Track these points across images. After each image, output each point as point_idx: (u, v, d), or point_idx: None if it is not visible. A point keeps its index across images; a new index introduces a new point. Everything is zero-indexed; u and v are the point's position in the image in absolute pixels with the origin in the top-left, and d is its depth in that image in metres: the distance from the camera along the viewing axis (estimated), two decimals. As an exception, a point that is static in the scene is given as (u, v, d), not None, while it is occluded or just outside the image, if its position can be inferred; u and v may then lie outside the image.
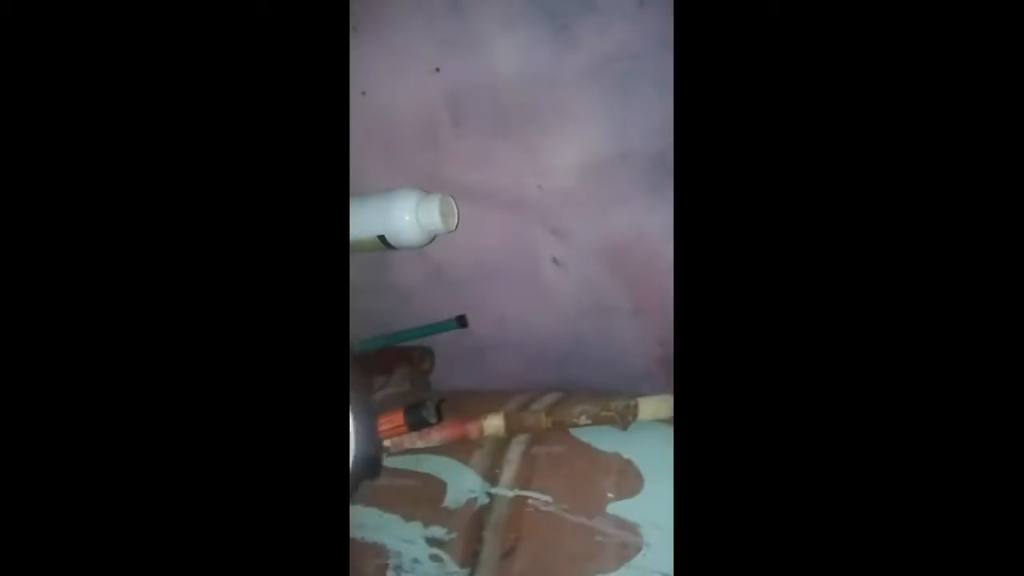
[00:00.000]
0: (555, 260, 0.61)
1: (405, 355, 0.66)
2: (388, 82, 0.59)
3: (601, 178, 0.57)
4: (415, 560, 0.38)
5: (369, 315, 0.69)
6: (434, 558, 0.38)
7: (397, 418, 0.39)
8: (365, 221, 0.52)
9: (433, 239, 0.54)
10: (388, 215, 0.51)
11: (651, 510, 0.36)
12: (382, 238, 0.51)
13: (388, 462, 0.45)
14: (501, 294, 0.65)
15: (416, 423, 0.38)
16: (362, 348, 0.66)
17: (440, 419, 0.40)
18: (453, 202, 0.54)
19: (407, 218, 0.51)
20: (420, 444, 0.44)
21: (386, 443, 0.43)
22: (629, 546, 0.35)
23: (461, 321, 0.66)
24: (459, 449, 0.44)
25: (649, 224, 0.57)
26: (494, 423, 0.43)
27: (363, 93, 0.59)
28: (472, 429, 0.43)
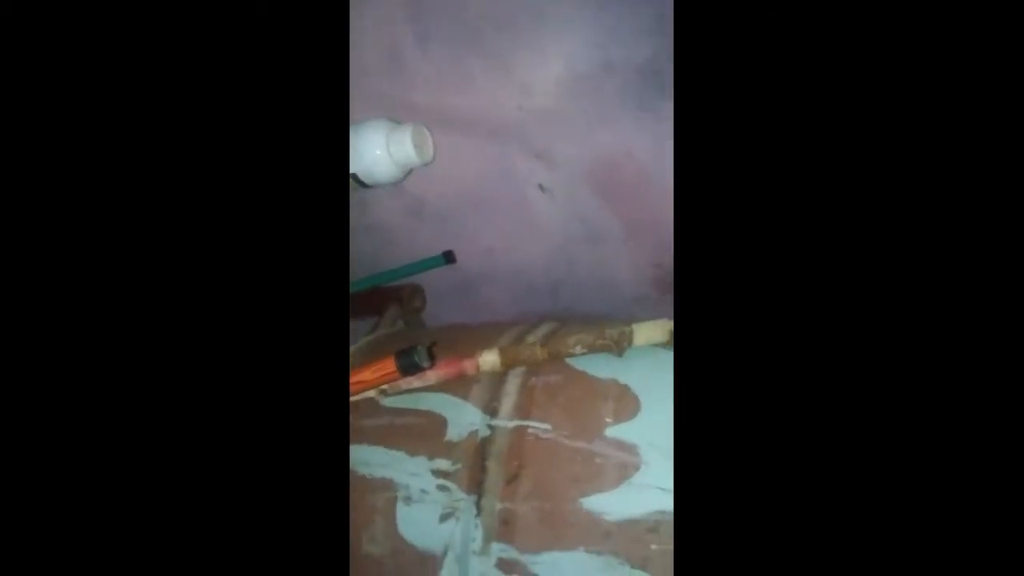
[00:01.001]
0: (541, 187, 0.59)
1: (395, 294, 0.65)
2: (342, -4, 0.52)
3: (585, 94, 0.53)
4: (423, 491, 0.40)
5: (353, 257, 0.68)
6: (441, 488, 0.40)
7: (388, 364, 0.39)
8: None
9: (409, 173, 0.51)
10: (357, 152, 0.48)
11: (648, 431, 0.37)
12: (354, 177, 0.48)
13: (387, 402, 0.45)
14: (487, 225, 0.63)
15: (408, 368, 0.38)
16: (350, 290, 0.65)
17: (433, 361, 0.40)
18: (426, 131, 0.50)
19: (378, 152, 0.48)
20: (417, 384, 0.44)
21: (384, 386, 0.43)
22: (628, 466, 0.36)
23: (448, 257, 0.64)
24: (457, 386, 0.44)
25: (639, 141, 0.54)
26: (490, 359, 0.43)
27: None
28: (468, 366, 0.43)
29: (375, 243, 0.66)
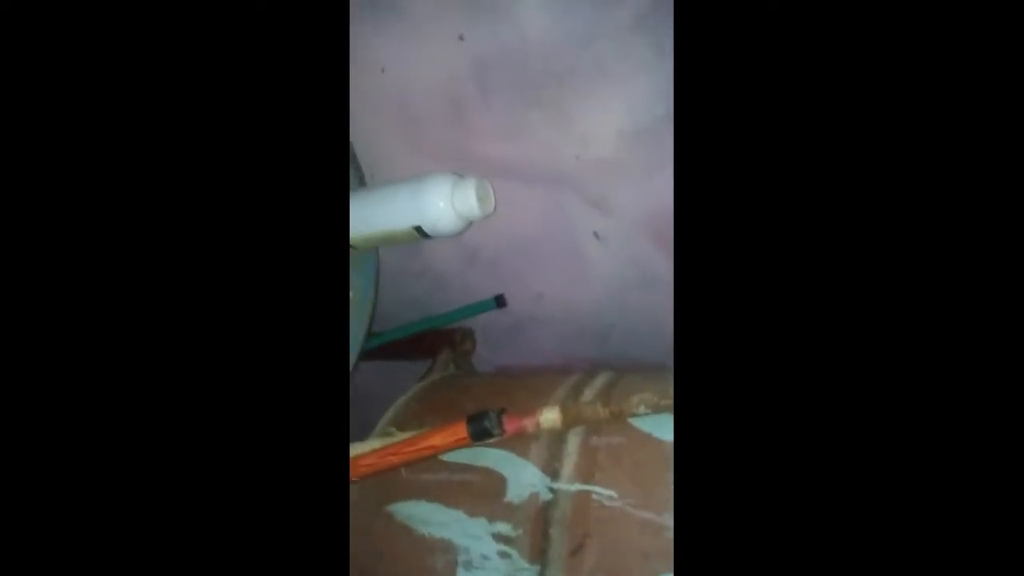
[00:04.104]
0: (596, 234, 0.58)
1: (447, 337, 0.66)
2: (408, 56, 0.54)
3: (643, 144, 0.53)
4: (484, 556, 0.39)
5: (407, 301, 0.69)
6: (502, 554, 0.39)
7: (460, 430, 0.38)
8: (398, 212, 0.50)
9: (469, 225, 0.51)
10: (422, 204, 0.49)
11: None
12: (418, 229, 0.49)
13: (446, 456, 0.45)
14: (539, 271, 0.62)
15: (479, 435, 0.38)
16: (403, 334, 0.66)
17: (503, 429, 0.39)
18: (489, 185, 0.51)
19: (442, 205, 0.49)
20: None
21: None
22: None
23: (500, 301, 0.64)
24: (515, 441, 0.44)
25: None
26: (550, 417, 0.43)
27: (382, 70, 0.55)
28: (529, 424, 0.43)
29: (428, 287, 0.67)
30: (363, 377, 0.58)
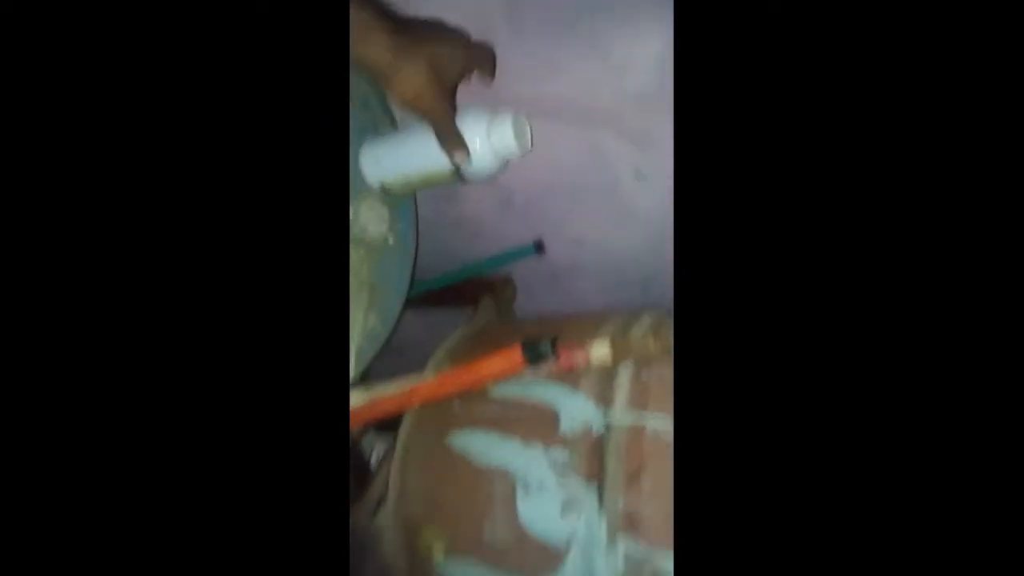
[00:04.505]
0: (637, 173, 0.57)
1: (487, 285, 0.66)
2: (438, -9, 0.53)
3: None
4: (542, 481, 0.40)
5: (443, 250, 0.69)
6: (560, 478, 0.40)
7: (515, 355, 0.39)
8: (433, 153, 0.49)
9: (506, 165, 0.50)
10: None
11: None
12: (456, 170, 0.48)
13: (496, 392, 0.46)
14: (578, 214, 0.62)
15: (536, 359, 0.38)
16: (444, 283, 0.66)
17: (557, 354, 0.40)
18: (526, 121, 0.49)
19: (478, 144, 0.48)
20: (528, 372, 0.45)
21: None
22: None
23: (539, 247, 0.64)
24: (566, 377, 0.44)
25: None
26: (601, 351, 0.43)
27: (409, 6, 0.54)
28: (580, 358, 0.43)
29: (465, 235, 0.67)
30: (405, 325, 0.59)
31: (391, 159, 0.52)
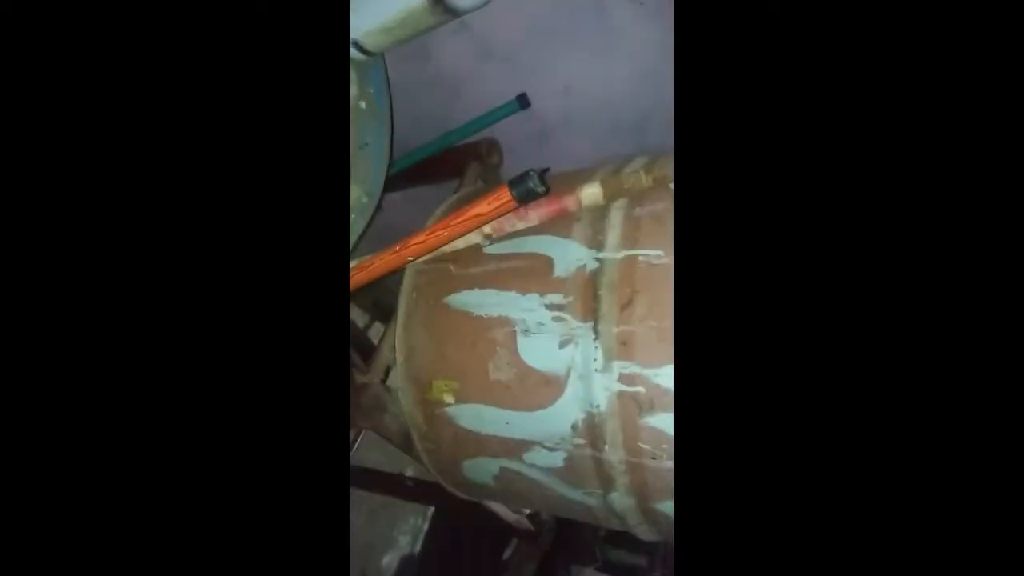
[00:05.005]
0: (627, -2, 0.51)
1: (473, 151, 0.63)
2: None
3: None
4: (540, 323, 0.41)
5: (419, 114, 0.64)
6: (557, 319, 0.41)
7: (503, 194, 0.38)
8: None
9: None
10: None
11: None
12: (438, 2, 0.42)
13: (491, 249, 0.45)
14: (563, 59, 0.56)
15: (525, 195, 0.37)
16: (423, 154, 0.63)
17: (547, 187, 0.38)
18: None
19: None
20: (520, 226, 0.44)
21: (486, 229, 0.43)
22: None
23: (522, 101, 0.59)
24: (559, 226, 0.44)
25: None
26: (592, 192, 0.42)
27: None
28: (570, 202, 0.42)
29: (443, 97, 0.63)
30: (391, 207, 0.57)
31: (361, 10, 0.46)
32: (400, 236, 0.53)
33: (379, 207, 0.54)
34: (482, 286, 0.44)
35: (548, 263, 0.43)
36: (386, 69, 0.56)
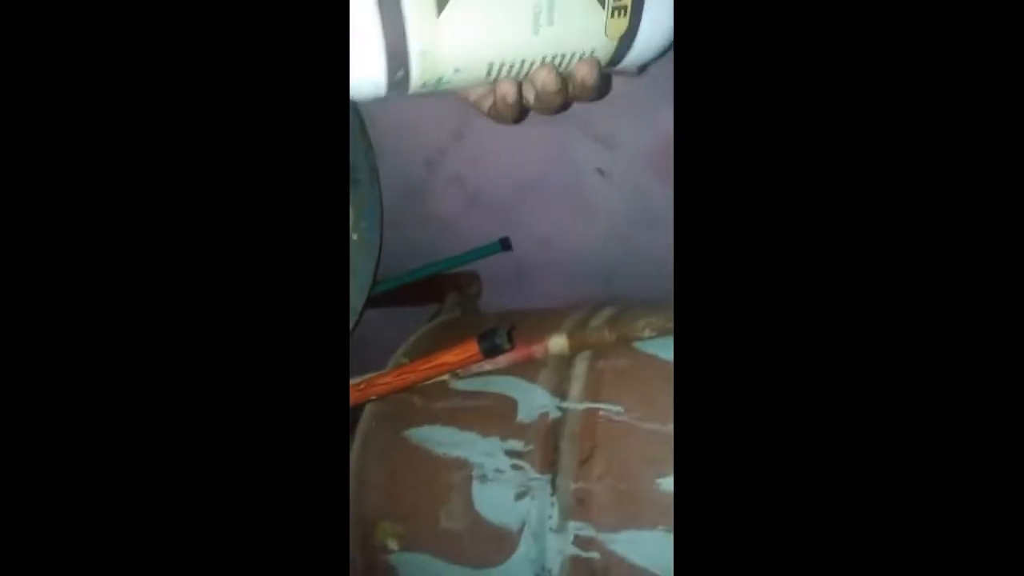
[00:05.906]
0: (600, 171, 0.58)
1: (453, 282, 0.67)
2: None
3: (649, 75, 0.52)
4: (497, 470, 0.41)
5: (412, 246, 0.69)
6: (515, 467, 0.40)
7: (471, 347, 0.40)
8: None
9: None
10: None
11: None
12: None
13: (458, 385, 0.46)
14: (544, 212, 0.63)
15: (490, 350, 0.39)
16: (408, 279, 0.67)
17: (513, 344, 0.41)
18: None
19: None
20: (488, 367, 0.45)
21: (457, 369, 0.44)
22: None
23: (505, 243, 0.65)
24: (525, 369, 0.45)
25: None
26: (559, 342, 0.44)
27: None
28: (537, 350, 0.44)
29: (432, 233, 0.68)
30: (369, 324, 0.59)
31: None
32: (374, 352, 0.54)
33: (356, 324, 0.56)
34: (444, 423, 0.44)
35: (512, 406, 0.44)
36: (381, 206, 0.62)
